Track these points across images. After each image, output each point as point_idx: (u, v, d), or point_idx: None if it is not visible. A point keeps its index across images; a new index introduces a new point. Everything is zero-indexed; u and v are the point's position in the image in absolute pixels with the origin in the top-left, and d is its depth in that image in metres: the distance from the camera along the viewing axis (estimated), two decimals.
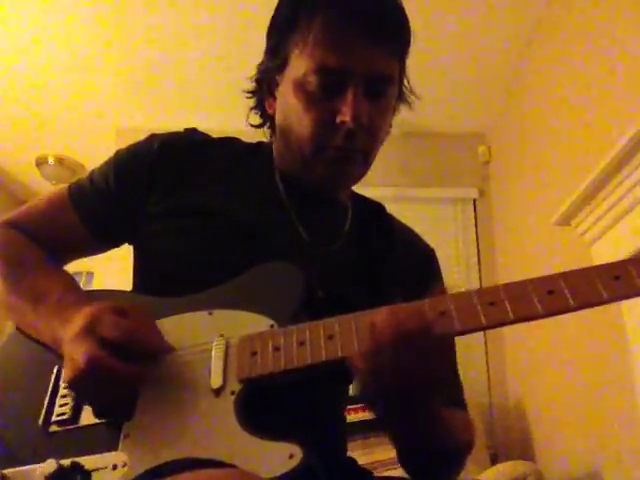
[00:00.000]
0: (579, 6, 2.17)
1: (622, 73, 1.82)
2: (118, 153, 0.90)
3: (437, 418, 0.70)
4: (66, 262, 0.92)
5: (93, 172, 0.90)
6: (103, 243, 0.91)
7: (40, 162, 3.62)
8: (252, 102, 0.92)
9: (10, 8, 2.52)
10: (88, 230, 0.87)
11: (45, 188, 3.91)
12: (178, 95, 3.12)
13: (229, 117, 3.01)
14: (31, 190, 4.04)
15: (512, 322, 0.57)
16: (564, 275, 0.57)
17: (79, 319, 0.66)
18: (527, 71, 2.73)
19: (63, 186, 0.91)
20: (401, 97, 0.89)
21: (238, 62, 2.78)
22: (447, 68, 2.82)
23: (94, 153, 3.52)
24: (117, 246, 0.92)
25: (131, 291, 0.86)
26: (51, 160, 3.59)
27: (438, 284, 0.94)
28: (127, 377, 0.64)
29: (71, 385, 0.67)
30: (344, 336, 0.62)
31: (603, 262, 0.58)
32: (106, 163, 0.90)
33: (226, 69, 2.88)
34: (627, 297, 0.54)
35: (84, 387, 0.65)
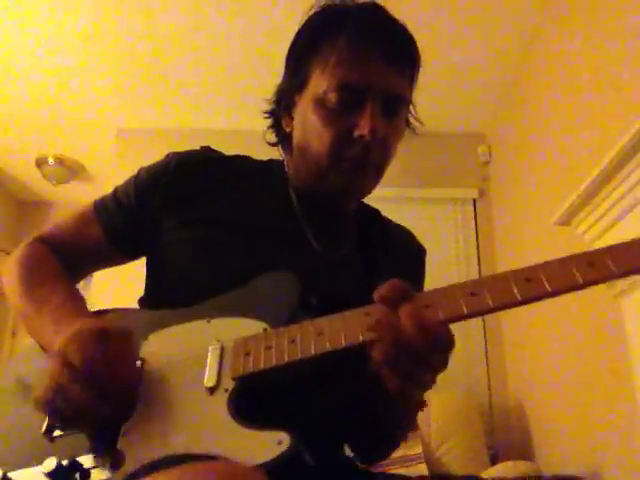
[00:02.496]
0: (579, 6, 2.17)
1: (622, 73, 1.82)
2: (140, 171, 0.95)
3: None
4: (91, 272, 0.99)
5: (116, 189, 0.95)
6: (126, 256, 0.95)
7: (40, 162, 3.63)
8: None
9: (8, 9, 2.53)
10: (111, 244, 0.92)
11: (45, 188, 3.91)
12: (178, 95, 3.11)
13: (229, 117, 3.01)
14: (31, 190, 4.05)
15: (492, 310, 0.61)
16: (543, 265, 0.61)
17: (61, 337, 0.68)
18: (527, 71, 2.73)
19: (87, 202, 0.96)
20: (407, 121, 0.94)
21: (239, 63, 2.78)
22: (447, 68, 2.82)
23: (94, 153, 3.51)
24: (139, 258, 0.96)
25: (139, 307, 0.90)
26: (51, 160, 3.59)
27: (420, 285, 0.98)
28: (89, 409, 0.63)
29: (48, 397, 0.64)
30: (333, 331, 0.65)
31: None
32: (129, 180, 0.95)
33: (226, 70, 2.87)
34: (599, 282, 0.59)
35: (53, 404, 0.64)
